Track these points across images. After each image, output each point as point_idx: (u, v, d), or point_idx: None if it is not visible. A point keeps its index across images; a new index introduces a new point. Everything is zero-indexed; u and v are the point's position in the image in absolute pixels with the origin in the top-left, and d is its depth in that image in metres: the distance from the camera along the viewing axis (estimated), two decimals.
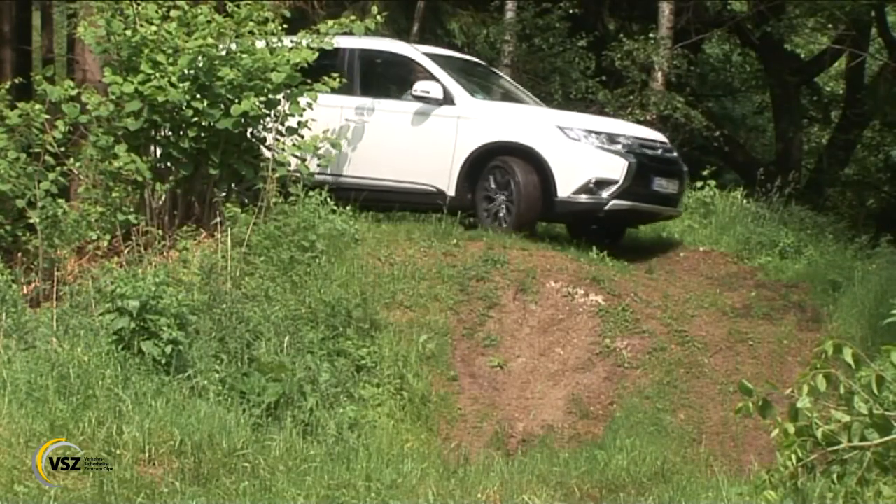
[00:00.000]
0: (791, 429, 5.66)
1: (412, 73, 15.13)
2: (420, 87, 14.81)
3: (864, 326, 12.35)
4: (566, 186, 14.25)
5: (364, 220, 14.15)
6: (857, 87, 24.36)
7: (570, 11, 20.82)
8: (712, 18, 22.23)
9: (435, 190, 14.69)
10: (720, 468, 10.21)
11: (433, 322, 12.58)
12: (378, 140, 14.98)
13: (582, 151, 14.31)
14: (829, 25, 24.45)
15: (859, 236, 15.82)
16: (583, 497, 9.53)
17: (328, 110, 14.79)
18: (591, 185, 14.21)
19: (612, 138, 14.42)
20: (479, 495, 9.11)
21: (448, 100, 14.79)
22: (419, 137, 14.83)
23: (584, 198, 14.29)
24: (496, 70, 17.03)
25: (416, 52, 15.50)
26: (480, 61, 16.93)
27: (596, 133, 14.41)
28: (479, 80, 16.04)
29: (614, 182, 14.24)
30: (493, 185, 14.49)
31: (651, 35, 20.45)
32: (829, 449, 5.64)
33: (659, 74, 20.15)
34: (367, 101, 15.13)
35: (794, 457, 5.65)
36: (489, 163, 14.50)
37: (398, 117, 14.97)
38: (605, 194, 14.24)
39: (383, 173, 14.91)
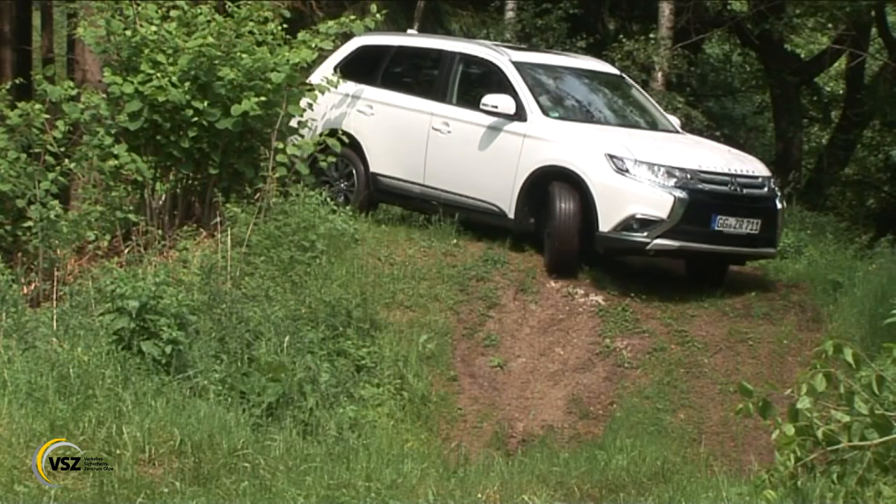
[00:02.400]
0: (791, 429, 5.66)
1: (498, 82, 14.25)
2: (489, 100, 13.92)
3: (864, 326, 12.35)
4: (607, 221, 13.12)
5: (364, 221, 14.14)
6: (857, 87, 24.35)
7: (570, 12, 20.82)
8: (712, 18, 22.20)
9: (497, 210, 13.87)
10: (720, 468, 10.21)
11: (433, 322, 12.58)
12: (455, 152, 14.22)
13: (626, 184, 13.12)
14: (829, 25, 24.44)
15: (859, 236, 15.81)
16: (583, 497, 9.53)
17: (419, 116, 14.46)
18: (633, 222, 13.07)
19: (669, 171, 13.16)
20: (479, 495, 9.12)
21: (520, 115, 13.82)
22: (489, 153, 13.97)
23: (624, 235, 13.09)
24: (627, 79, 15.62)
25: (502, 58, 14.41)
26: (609, 70, 15.53)
27: (648, 164, 13.18)
28: (581, 93, 15.06)
29: (659, 220, 13.01)
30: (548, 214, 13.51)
31: (651, 35, 20.45)
32: (829, 449, 5.64)
33: (659, 74, 20.14)
34: (454, 111, 14.32)
35: (793, 456, 5.66)
36: (547, 188, 13.52)
37: (475, 130, 14.08)
38: (647, 233, 13.03)
39: (455, 186, 14.18)
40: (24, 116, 13.32)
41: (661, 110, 15.34)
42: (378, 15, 14.31)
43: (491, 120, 13.93)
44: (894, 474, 5.66)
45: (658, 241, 13.03)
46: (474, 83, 14.68)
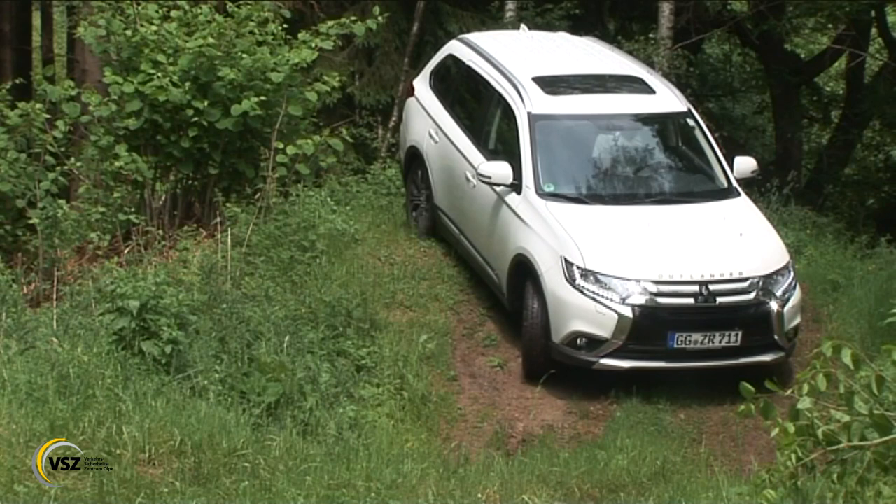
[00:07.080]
0: (791, 428, 5.66)
1: (515, 137, 12.58)
2: (485, 169, 12.31)
3: (863, 326, 12.36)
4: (556, 333, 11.62)
5: (364, 221, 14.15)
6: (857, 87, 24.33)
7: (570, 12, 20.81)
8: (712, 18, 22.20)
9: (497, 280, 12.56)
10: (720, 468, 10.20)
11: (433, 322, 12.59)
12: (476, 209, 12.86)
13: (571, 296, 11.51)
14: (829, 25, 24.43)
15: (859, 236, 15.78)
16: (583, 497, 9.53)
17: (461, 159, 13.14)
18: (577, 339, 11.55)
19: (620, 283, 11.44)
20: (479, 495, 9.11)
21: (516, 186, 12.26)
22: (496, 220, 12.47)
23: (570, 351, 11.61)
24: (693, 117, 13.13)
25: (521, 110, 12.53)
26: (671, 109, 13.10)
27: (597, 275, 11.48)
28: (612, 152, 12.81)
29: (602, 339, 11.45)
30: None
31: (651, 35, 20.45)
32: (829, 449, 5.64)
33: (659, 75, 20.13)
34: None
35: (793, 456, 5.66)
36: (526, 276, 11.96)
37: (491, 192, 12.54)
38: (590, 351, 11.54)
39: (473, 239, 12.99)
40: (24, 116, 13.34)
41: (721, 157, 12.91)
42: (380, 17, 14.31)
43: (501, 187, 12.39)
44: (894, 474, 5.66)
45: (604, 360, 11.51)
46: (505, 131, 12.96)
